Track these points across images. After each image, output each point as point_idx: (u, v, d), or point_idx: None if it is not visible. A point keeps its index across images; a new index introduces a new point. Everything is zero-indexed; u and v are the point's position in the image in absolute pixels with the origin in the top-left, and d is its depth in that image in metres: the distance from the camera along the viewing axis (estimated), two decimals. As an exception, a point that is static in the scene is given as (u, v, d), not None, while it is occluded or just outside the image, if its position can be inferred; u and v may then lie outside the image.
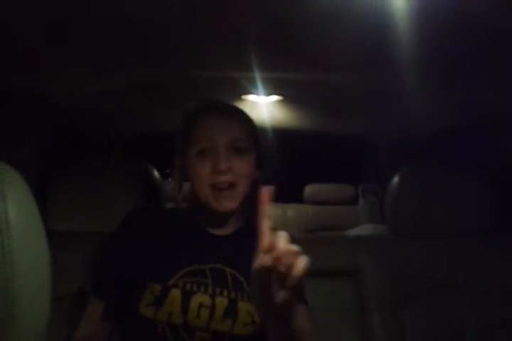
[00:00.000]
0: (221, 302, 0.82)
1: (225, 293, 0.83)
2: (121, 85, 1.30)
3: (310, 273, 1.19)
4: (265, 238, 0.60)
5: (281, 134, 1.97)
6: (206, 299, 0.82)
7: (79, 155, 1.34)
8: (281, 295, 0.57)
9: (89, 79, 1.22)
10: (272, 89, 1.49)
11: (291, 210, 3.00)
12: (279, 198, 2.97)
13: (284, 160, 2.61)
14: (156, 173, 1.31)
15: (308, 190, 2.98)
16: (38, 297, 0.38)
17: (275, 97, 1.61)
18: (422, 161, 1.38)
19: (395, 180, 1.29)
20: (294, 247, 0.59)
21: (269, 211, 0.63)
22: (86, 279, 1.07)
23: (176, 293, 0.80)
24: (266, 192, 0.63)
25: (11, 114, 1.23)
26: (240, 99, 1.63)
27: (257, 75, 1.30)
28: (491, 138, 1.42)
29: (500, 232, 1.30)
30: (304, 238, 1.54)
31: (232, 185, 0.83)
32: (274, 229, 0.61)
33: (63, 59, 1.06)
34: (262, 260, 0.59)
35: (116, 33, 0.98)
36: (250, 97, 1.61)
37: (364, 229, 1.82)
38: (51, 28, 0.90)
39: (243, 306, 0.83)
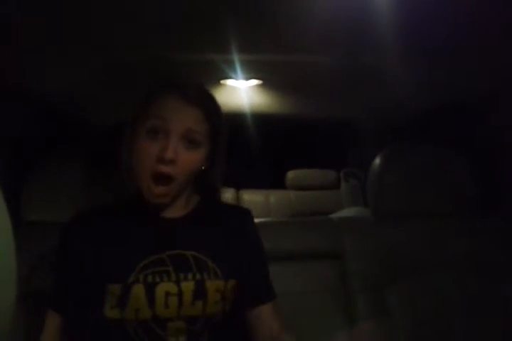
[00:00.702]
0: (187, 286, 0.79)
1: (190, 276, 0.80)
2: (96, 70, 1.26)
3: (294, 256, 1.20)
4: None
5: (261, 119, 1.95)
6: (171, 286, 0.79)
7: (54, 144, 1.29)
8: None
9: (64, 64, 1.17)
10: (251, 72, 1.46)
11: (274, 196, 2.99)
12: (261, 184, 2.98)
13: (264, 145, 2.60)
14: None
15: (291, 175, 2.97)
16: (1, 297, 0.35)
17: (254, 81, 1.57)
18: (401, 142, 1.37)
19: (377, 160, 1.28)
20: None
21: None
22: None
23: (138, 288, 0.77)
24: None
25: None
26: (219, 84, 1.59)
27: (236, 58, 1.26)
28: (475, 118, 1.42)
29: (484, 211, 1.31)
30: (287, 221, 1.54)
31: (170, 178, 0.79)
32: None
33: (36, 43, 1.02)
34: None
35: (92, 14, 0.94)
36: (229, 82, 1.58)
37: (348, 213, 1.83)
38: (25, 10, 0.85)
39: (211, 285, 0.81)
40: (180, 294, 0.79)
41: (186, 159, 0.79)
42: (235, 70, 1.39)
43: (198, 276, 0.81)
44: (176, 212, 0.87)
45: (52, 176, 1.19)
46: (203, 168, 0.85)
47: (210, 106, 0.84)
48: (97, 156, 1.25)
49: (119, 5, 0.91)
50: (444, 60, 1.17)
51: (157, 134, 0.78)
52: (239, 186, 3.00)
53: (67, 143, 1.30)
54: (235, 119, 2.05)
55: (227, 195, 2.84)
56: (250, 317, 0.87)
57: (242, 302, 0.86)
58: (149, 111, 0.80)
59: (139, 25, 1.02)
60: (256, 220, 1.34)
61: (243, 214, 0.94)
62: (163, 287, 0.79)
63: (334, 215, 1.71)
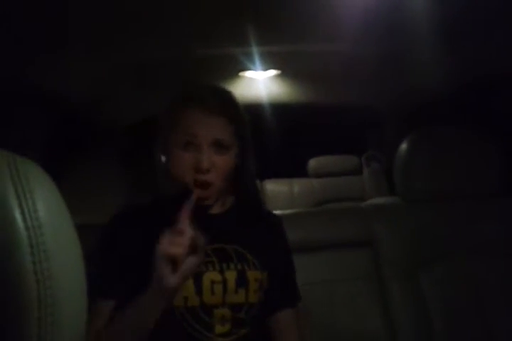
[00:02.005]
0: (231, 274, 0.86)
1: (232, 266, 0.87)
2: (119, 69, 1.28)
3: (326, 245, 1.21)
4: None
5: (281, 109, 1.96)
6: (216, 275, 0.85)
7: (81, 146, 1.31)
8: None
9: (86, 65, 1.20)
10: (269, 63, 1.46)
11: (297, 185, 3.00)
12: (283, 174, 2.98)
13: (286, 135, 2.60)
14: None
15: (313, 163, 2.97)
16: (75, 295, 0.37)
17: (273, 72, 1.58)
18: (428, 126, 1.35)
19: (405, 144, 1.27)
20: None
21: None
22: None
23: None
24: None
25: (15, 109, 1.22)
26: (238, 76, 1.60)
27: (254, 49, 1.27)
28: (503, 99, 1.40)
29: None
30: (317, 211, 1.55)
31: (209, 184, 0.84)
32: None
33: (59, 46, 1.05)
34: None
35: (112, 14, 0.96)
36: (248, 74, 1.59)
37: (377, 201, 1.82)
38: (48, 17, 0.88)
39: (251, 275, 0.87)
40: (224, 282, 0.85)
41: (220, 164, 0.85)
42: (253, 61, 1.40)
43: (239, 266, 0.87)
44: (215, 208, 0.92)
45: (81, 178, 1.22)
46: (237, 165, 0.90)
47: (232, 108, 0.88)
48: (125, 156, 1.28)
49: (137, 4, 0.93)
50: (467, 37, 1.15)
51: (189, 146, 0.84)
52: (261, 176, 3.02)
53: (94, 145, 1.32)
54: (255, 110, 2.06)
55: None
56: (271, 322, 0.92)
57: (265, 305, 0.90)
58: (178, 126, 0.85)
59: (157, 20, 1.03)
60: (286, 211, 1.32)
61: (275, 221, 0.99)
62: (209, 276, 0.85)
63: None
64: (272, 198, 2.93)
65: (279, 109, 1.92)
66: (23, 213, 0.34)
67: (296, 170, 3.00)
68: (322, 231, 1.25)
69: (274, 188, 2.98)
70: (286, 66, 1.51)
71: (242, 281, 0.86)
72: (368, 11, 1.02)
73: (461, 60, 1.32)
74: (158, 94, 1.50)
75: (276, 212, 1.04)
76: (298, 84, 1.73)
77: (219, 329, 0.84)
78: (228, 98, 0.90)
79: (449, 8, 0.99)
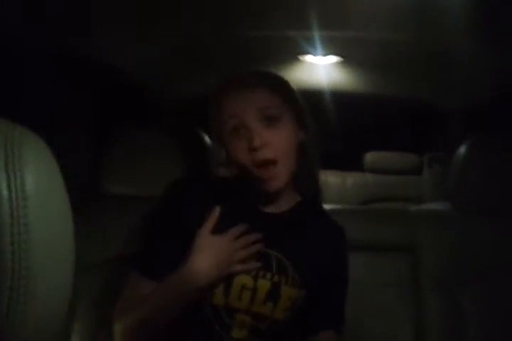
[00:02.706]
0: (263, 284, 0.81)
1: (269, 276, 0.81)
2: (175, 45, 1.29)
3: (364, 246, 1.16)
4: None
5: (340, 98, 1.89)
6: (248, 280, 0.80)
7: (135, 120, 1.34)
8: None
9: (144, 38, 1.21)
10: (330, 48, 1.40)
11: (351, 178, 2.91)
12: (337, 165, 2.91)
13: (342, 125, 2.52)
14: (207, 138, 1.30)
15: (369, 157, 2.86)
16: (55, 270, 0.38)
17: (334, 58, 1.52)
18: (497, 130, 1.24)
19: (462, 149, 1.18)
20: None
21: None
22: (127, 245, 1.07)
23: None
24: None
25: (67, 77, 1.24)
26: (297, 59, 1.56)
27: (315, 34, 1.23)
28: None
29: None
30: (361, 209, 1.50)
31: (273, 162, 0.79)
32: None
33: (115, 18, 1.06)
34: None
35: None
36: (307, 58, 1.54)
37: (430, 206, 1.72)
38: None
39: (286, 291, 0.82)
40: (254, 290, 0.80)
41: (275, 138, 0.79)
42: (314, 46, 1.35)
43: (275, 278, 0.82)
44: (275, 206, 0.87)
45: (134, 151, 1.23)
46: (299, 139, 0.84)
47: (273, 80, 0.84)
48: (179, 133, 1.28)
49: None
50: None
51: (238, 131, 0.80)
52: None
53: (149, 119, 1.34)
54: (312, 96, 2.01)
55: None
56: (310, 339, 0.87)
57: (306, 323, 0.86)
58: (222, 112, 0.82)
59: (216, 2, 1.02)
60: (328, 206, 1.31)
61: (337, 231, 0.93)
62: (241, 279, 0.80)
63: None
64: (324, 190, 2.86)
65: (337, 96, 1.85)
66: (8, 183, 0.34)
67: (351, 162, 2.91)
68: (362, 231, 1.20)
69: (326, 179, 2.91)
70: (347, 53, 1.45)
71: (273, 295, 0.81)
72: (437, 3, 0.94)
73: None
74: (213, 74, 1.50)
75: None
76: (360, 72, 1.66)
77: (236, 332, 0.81)
78: (270, 73, 0.85)
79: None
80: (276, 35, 1.28)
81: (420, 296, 1.13)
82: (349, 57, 1.49)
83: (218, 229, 0.81)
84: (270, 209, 0.86)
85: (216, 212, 0.80)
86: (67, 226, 0.39)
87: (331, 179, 2.92)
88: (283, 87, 0.85)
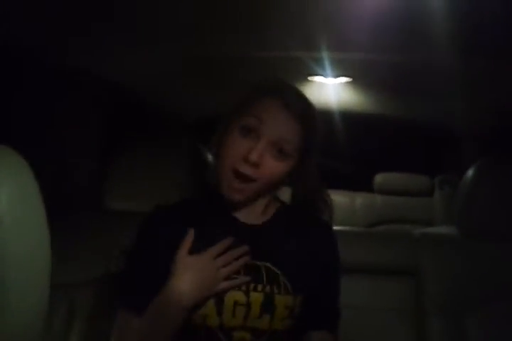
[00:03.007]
0: (256, 297, 0.78)
1: (260, 287, 0.79)
2: (183, 64, 1.30)
3: (366, 269, 1.14)
4: None
5: (351, 118, 1.89)
6: (240, 296, 0.78)
7: (138, 135, 1.35)
8: None
9: (151, 58, 1.23)
10: (340, 70, 1.41)
11: (360, 199, 2.88)
12: (347, 186, 2.89)
13: (352, 145, 2.51)
14: (209, 155, 1.30)
15: (379, 178, 2.84)
16: (32, 284, 0.37)
17: (344, 79, 1.52)
18: (502, 154, 1.22)
19: (470, 172, 1.16)
20: None
21: None
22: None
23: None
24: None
25: (75, 94, 1.26)
26: (307, 80, 1.57)
27: (325, 55, 1.23)
28: None
29: None
30: (363, 232, 1.48)
31: (251, 181, 0.77)
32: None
33: (122, 38, 1.07)
34: None
35: (180, 8, 0.97)
36: (317, 79, 1.55)
37: (437, 230, 1.69)
38: (109, 6, 0.91)
39: (280, 300, 0.79)
40: (248, 305, 0.78)
41: (270, 166, 0.77)
42: (323, 67, 1.36)
43: (267, 289, 0.79)
44: (255, 218, 0.85)
45: (135, 166, 1.23)
46: (286, 181, 0.83)
47: (309, 118, 0.81)
48: (182, 148, 1.28)
49: (208, 2, 0.93)
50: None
51: (249, 133, 0.77)
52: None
53: (152, 135, 1.35)
54: (323, 116, 2.01)
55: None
56: None
57: (302, 324, 0.84)
58: (248, 109, 0.79)
59: (228, 22, 1.03)
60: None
61: (325, 230, 0.90)
62: (233, 296, 0.78)
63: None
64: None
65: (348, 117, 1.85)
66: None
67: (360, 183, 2.88)
68: (365, 253, 1.18)
69: (335, 199, 2.88)
70: (357, 74, 1.45)
71: (268, 306, 0.78)
72: (445, 24, 0.94)
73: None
74: (222, 93, 1.52)
75: None
76: (370, 93, 1.66)
77: None
78: (310, 106, 0.83)
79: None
80: (287, 56, 1.29)
81: (423, 321, 1.10)
82: (359, 78, 1.49)
83: (202, 248, 0.80)
84: (252, 220, 0.84)
85: (191, 233, 0.79)
86: (42, 242, 0.39)
87: (339, 199, 2.89)
88: (313, 129, 0.81)
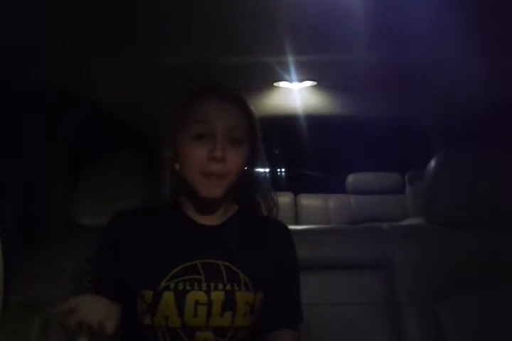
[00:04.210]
0: (217, 296, 0.79)
1: (220, 286, 0.80)
2: (143, 72, 1.27)
3: (338, 265, 1.14)
4: None
5: (317, 121, 1.89)
6: (201, 296, 0.79)
7: (104, 150, 1.33)
8: None
9: (115, 69, 1.20)
10: (305, 74, 1.41)
11: (333, 201, 2.90)
12: (319, 188, 2.90)
13: (321, 148, 2.53)
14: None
15: (350, 179, 2.87)
16: None
17: (308, 83, 1.53)
18: (462, 144, 1.25)
19: (432, 163, 1.18)
20: None
21: None
22: None
23: (168, 296, 0.78)
24: None
25: (41, 109, 1.23)
26: (272, 86, 1.56)
27: (290, 59, 1.23)
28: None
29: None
30: (331, 228, 1.48)
31: (221, 177, 0.81)
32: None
33: (85, 51, 1.05)
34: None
35: (140, 17, 0.94)
36: (282, 84, 1.54)
37: (410, 222, 1.71)
38: (70, 23, 0.88)
39: (241, 297, 0.80)
40: (209, 304, 0.79)
41: (234, 157, 0.81)
42: (288, 72, 1.36)
43: (228, 287, 0.81)
44: (213, 219, 0.88)
45: (104, 180, 1.22)
46: (246, 168, 0.86)
47: (244, 103, 0.87)
48: (148, 161, 1.27)
49: (168, 9, 0.91)
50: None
51: (203, 137, 0.81)
52: (296, 190, 2.94)
53: (119, 148, 1.33)
54: (290, 122, 2.01)
55: (285, 199, 2.79)
56: (267, 340, 0.86)
57: (263, 323, 0.85)
58: (191, 116, 0.83)
59: (189, 27, 1.01)
60: (299, 227, 1.26)
61: (280, 228, 0.93)
62: (193, 296, 0.79)
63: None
64: (306, 214, 2.85)
65: (315, 120, 1.86)
66: None
67: (332, 185, 2.91)
68: (335, 249, 1.17)
69: (308, 203, 2.89)
70: (321, 77, 1.45)
71: (229, 304, 0.79)
72: (406, 22, 0.96)
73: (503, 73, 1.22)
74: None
75: (291, 227, 0.96)
76: (335, 95, 1.67)
77: None
78: (239, 94, 0.88)
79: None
80: (253, 62, 1.28)
81: (397, 313, 1.10)
82: (323, 80, 1.50)
83: (161, 247, 0.83)
84: (211, 222, 0.87)
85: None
86: None
87: (312, 202, 2.91)
88: (252, 115, 0.88)
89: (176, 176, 0.86)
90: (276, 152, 3.53)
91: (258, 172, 0.92)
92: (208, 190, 0.81)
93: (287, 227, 0.93)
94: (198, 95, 0.85)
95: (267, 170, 0.93)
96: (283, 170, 3.56)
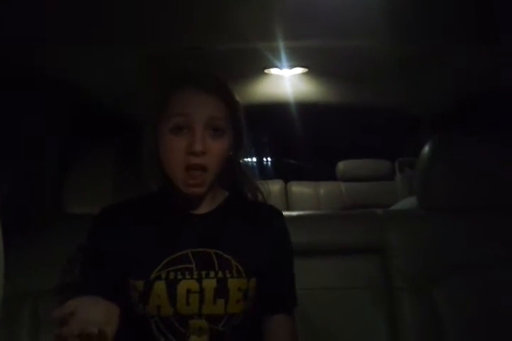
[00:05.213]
0: (209, 284, 0.79)
1: (212, 274, 0.80)
2: (139, 62, 1.25)
3: (334, 250, 1.15)
4: None
5: (308, 108, 1.88)
6: (193, 284, 0.79)
7: (96, 138, 1.32)
8: None
9: (107, 58, 1.18)
10: (296, 60, 1.40)
11: (324, 188, 2.91)
12: (310, 176, 2.91)
13: (312, 136, 2.52)
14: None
15: (341, 166, 2.88)
16: None
17: (299, 70, 1.51)
18: (455, 131, 1.26)
19: (426, 148, 1.19)
20: None
21: None
22: None
23: (160, 285, 0.78)
24: None
25: (32, 97, 1.21)
26: (263, 73, 1.55)
27: (281, 45, 1.21)
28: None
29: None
30: (327, 214, 1.49)
31: (203, 169, 0.79)
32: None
33: (78, 39, 1.03)
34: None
35: (130, 6, 0.92)
36: (273, 71, 1.53)
37: (403, 205, 1.72)
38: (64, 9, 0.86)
39: (233, 283, 0.80)
40: (201, 291, 0.79)
41: (215, 148, 0.80)
42: (279, 58, 1.34)
43: (220, 274, 0.80)
44: (202, 208, 0.87)
45: (95, 169, 1.21)
46: (231, 153, 0.85)
47: (226, 92, 0.84)
48: (136, 150, 1.26)
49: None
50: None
51: (182, 130, 0.79)
52: (286, 178, 2.94)
53: (111, 137, 1.32)
54: (281, 109, 2.00)
55: (276, 186, 2.80)
56: (263, 327, 0.86)
57: (258, 308, 0.85)
58: (169, 109, 0.81)
59: (179, 15, 0.99)
60: (294, 213, 1.27)
61: (272, 213, 0.92)
62: (185, 284, 0.79)
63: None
64: (296, 201, 2.86)
65: (306, 107, 1.85)
66: None
67: (323, 172, 2.92)
68: (331, 235, 1.18)
69: (299, 190, 2.90)
70: (312, 64, 1.44)
71: (221, 291, 0.79)
72: (400, 8, 0.95)
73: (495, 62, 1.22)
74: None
75: (285, 213, 0.96)
76: (326, 82, 1.66)
77: (195, 340, 0.79)
78: (223, 83, 0.85)
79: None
80: (243, 49, 1.26)
81: (393, 297, 1.12)
82: (314, 67, 1.48)
83: (151, 238, 0.83)
84: (200, 210, 0.87)
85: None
86: None
87: (303, 189, 2.92)
88: (235, 104, 0.85)
89: (153, 171, 0.84)
90: (266, 140, 3.53)
91: (243, 161, 0.91)
92: (189, 189, 0.80)
93: (281, 212, 0.92)
94: (176, 86, 0.82)
95: (255, 159, 0.91)
96: (272, 158, 3.57)
